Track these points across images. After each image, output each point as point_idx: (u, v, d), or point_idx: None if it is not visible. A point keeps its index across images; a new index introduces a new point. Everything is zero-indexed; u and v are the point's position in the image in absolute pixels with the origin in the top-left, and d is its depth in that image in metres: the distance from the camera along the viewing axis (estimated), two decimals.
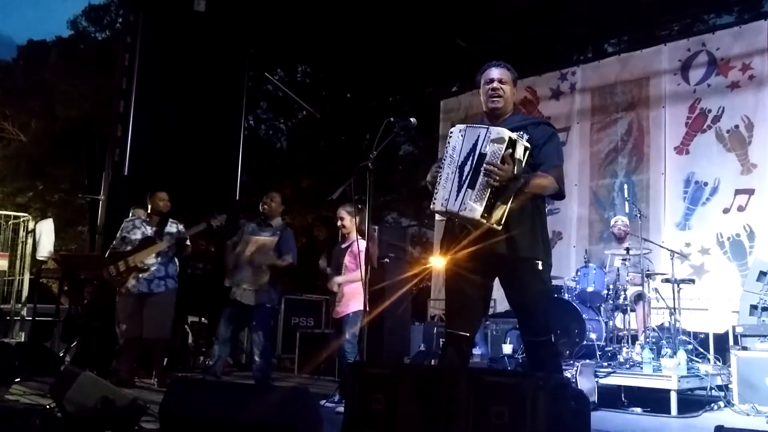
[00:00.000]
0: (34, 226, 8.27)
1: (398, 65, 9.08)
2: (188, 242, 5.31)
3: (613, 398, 4.70)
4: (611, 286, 5.46)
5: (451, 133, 2.86)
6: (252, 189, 10.02)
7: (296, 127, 15.60)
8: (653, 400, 4.56)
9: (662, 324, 5.51)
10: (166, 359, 5.69)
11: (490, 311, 5.99)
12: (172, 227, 5.32)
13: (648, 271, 5.47)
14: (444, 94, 9.48)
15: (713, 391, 4.69)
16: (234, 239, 5.04)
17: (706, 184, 6.51)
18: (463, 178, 2.72)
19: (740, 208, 6.26)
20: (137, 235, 5.23)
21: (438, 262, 7.13)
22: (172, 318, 5.50)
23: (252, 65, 9.13)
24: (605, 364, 4.93)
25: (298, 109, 14.49)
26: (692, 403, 4.63)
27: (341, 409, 3.45)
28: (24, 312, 7.94)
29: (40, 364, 5.20)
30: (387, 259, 6.37)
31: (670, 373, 4.49)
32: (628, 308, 5.37)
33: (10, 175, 16.30)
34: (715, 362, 5.20)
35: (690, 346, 5.12)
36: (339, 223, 4.84)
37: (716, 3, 7.95)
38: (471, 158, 2.72)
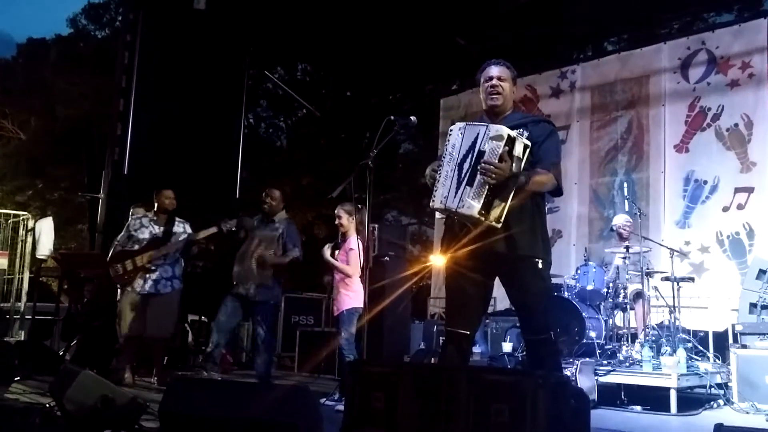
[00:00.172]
0: (34, 224, 8.26)
1: (398, 63, 9.08)
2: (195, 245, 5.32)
3: (613, 396, 4.70)
4: (611, 285, 5.46)
5: (451, 130, 2.86)
6: (252, 187, 10.02)
7: (296, 125, 15.60)
8: (653, 399, 4.57)
9: (662, 322, 5.51)
10: (166, 358, 5.69)
11: (490, 309, 5.98)
12: (179, 227, 5.32)
13: (648, 269, 5.47)
14: (444, 92, 9.48)
15: (713, 389, 4.70)
16: (241, 235, 5.06)
17: (705, 182, 6.51)
18: (462, 175, 2.72)
19: (740, 207, 6.26)
20: (145, 234, 5.21)
21: (438, 261, 7.14)
22: (176, 318, 5.52)
23: (252, 63, 9.11)
24: (605, 362, 4.93)
25: (298, 108, 14.47)
26: (692, 401, 4.64)
27: (341, 407, 3.46)
28: (24, 310, 7.94)
29: (39, 363, 5.20)
30: (387, 258, 6.37)
31: (669, 372, 4.50)
32: (628, 306, 5.38)
33: (10, 174, 16.29)
34: (714, 360, 5.20)
35: (689, 345, 5.12)
36: (336, 221, 4.86)
37: (716, 1, 7.95)
38: (470, 156, 2.73)
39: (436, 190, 2.81)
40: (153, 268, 5.11)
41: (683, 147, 6.74)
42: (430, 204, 2.85)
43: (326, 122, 12.67)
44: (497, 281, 3.00)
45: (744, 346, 4.83)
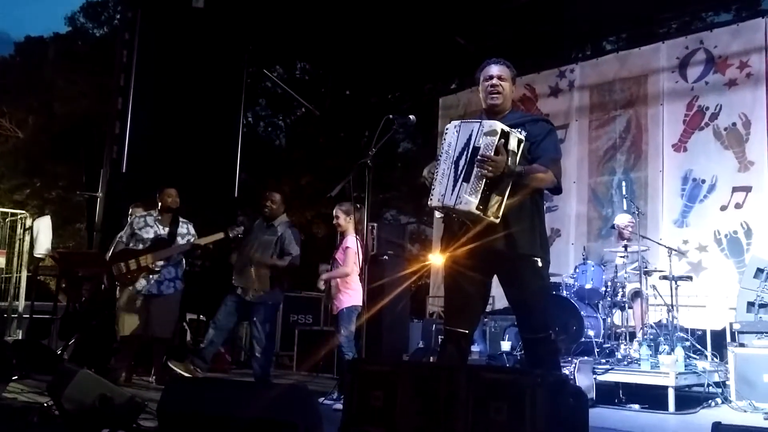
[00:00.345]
0: (32, 223, 8.24)
1: (397, 62, 9.07)
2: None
3: (611, 395, 4.71)
4: (609, 283, 5.47)
5: (447, 129, 2.88)
6: (251, 186, 10.02)
7: (295, 124, 15.59)
8: (651, 397, 4.57)
9: (660, 321, 5.52)
10: (165, 357, 5.68)
11: (489, 308, 6.00)
12: (183, 227, 5.32)
13: (646, 268, 5.48)
14: (443, 91, 9.48)
15: (711, 387, 4.70)
16: (241, 237, 5.05)
17: (703, 181, 6.52)
18: (458, 172, 2.74)
19: (737, 206, 6.27)
20: (149, 234, 5.20)
21: (437, 260, 7.14)
22: (177, 318, 5.52)
23: (251, 62, 9.11)
24: (603, 360, 4.94)
25: (297, 106, 14.46)
26: (690, 399, 4.65)
27: (340, 406, 3.46)
28: (21, 309, 7.92)
29: (37, 362, 5.18)
30: (386, 257, 6.37)
31: (667, 370, 4.51)
32: (626, 305, 5.39)
33: (8, 172, 16.27)
34: (712, 359, 5.21)
35: (687, 343, 5.13)
36: (334, 221, 4.87)
37: (714, 1, 7.96)
38: (465, 152, 2.74)
39: (433, 189, 2.82)
40: (157, 269, 5.11)
41: (681, 146, 6.74)
42: (428, 203, 2.85)
43: (325, 121, 12.65)
44: (496, 280, 3.00)
45: (742, 345, 4.84)
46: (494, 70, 2.99)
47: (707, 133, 6.58)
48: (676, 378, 4.45)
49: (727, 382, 4.79)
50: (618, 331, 5.39)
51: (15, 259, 8.33)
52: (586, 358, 4.86)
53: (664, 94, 6.94)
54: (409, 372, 2.35)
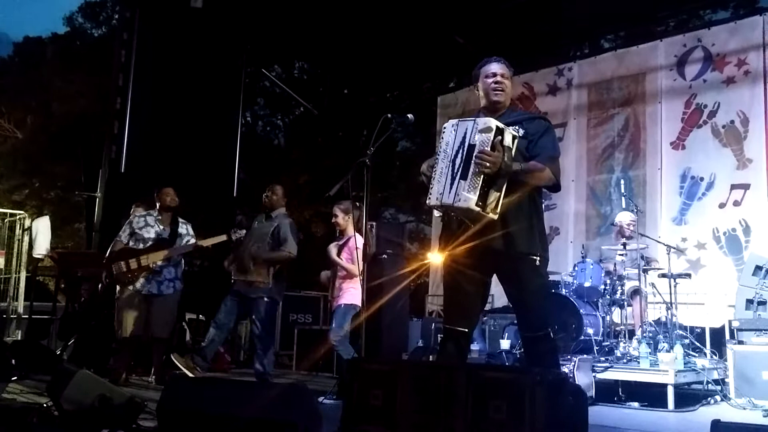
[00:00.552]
0: (31, 223, 8.23)
1: (396, 61, 9.07)
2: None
3: (611, 393, 4.71)
4: (608, 282, 5.47)
5: (444, 128, 2.88)
6: (249, 185, 10.01)
7: (293, 124, 15.60)
8: (650, 395, 4.58)
9: (659, 319, 5.53)
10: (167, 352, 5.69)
11: (488, 307, 6.01)
12: (182, 228, 5.33)
13: (645, 266, 5.48)
14: (441, 90, 9.48)
15: (710, 385, 4.71)
16: (241, 239, 5.05)
17: (702, 179, 6.53)
18: (456, 170, 2.74)
19: (736, 203, 6.27)
20: (150, 234, 5.20)
21: (436, 258, 7.14)
22: (176, 318, 5.52)
23: (249, 61, 9.11)
24: (602, 359, 4.94)
25: (295, 106, 14.47)
26: (689, 397, 4.66)
27: (340, 404, 3.46)
28: (21, 310, 7.92)
29: (37, 363, 5.18)
30: (385, 255, 6.37)
31: (666, 368, 4.51)
32: (625, 303, 5.39)
33: (7, 173, 16.26)
34: (711, 356, 5.21)
35: (686, 341, 5.13)
36: (333, 220, 4.86)
37: None
38: (462, 150, 2.74)
39: (431, 188, 2.82)
40: (158, 269, 5.11)
41: (680, 144, 6.75)
42: (427, 202, 2.85)
43: (324, 120, 12.64)
44: (495, 278, 3.00)
45: (741, 342, 4.85)
46: (498, 68, 2.99)
47: (705, 130, 6.58)
48: (676, 376, 4.46)
49: (726, 380, 4.80)
50: (617, 329, 5.39)
51: (14, 259, 8.33)
52: (585, 356, 4.86)
53: (663, 92, 6.94)
54: (408, 371, 2.36)
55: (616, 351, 5.07)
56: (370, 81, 10.34)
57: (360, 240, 4.57)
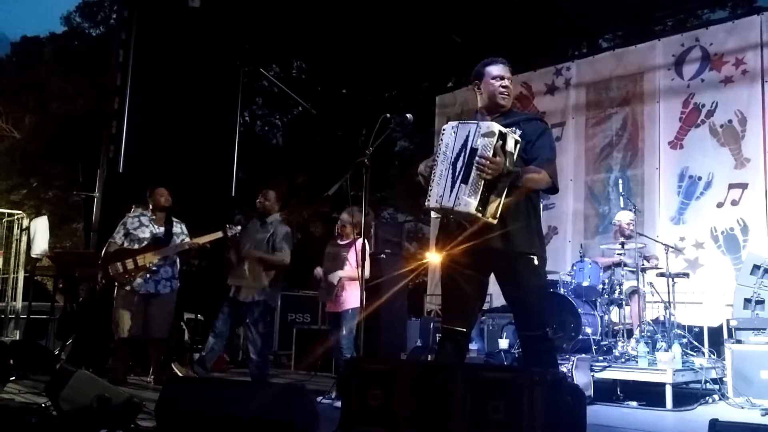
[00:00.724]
0: (29, 223, 8.22)
1: (394, 61, 9.07)
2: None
3: (609, 392, 4.72)
4: (606, 281, 5.48)
5: (444, 129, 2.86)
6: (248, 185, 10.00)
7: (292, 123, 15.57)
8: (648, 394, 4.59)
9: (657, 318, 5.54)
10: (171, 357, 5.69)
11: (487, 306, 6.01)
12: (177, 227, 5.33)
13: (643, 265, 5.49)
14: (440, 90, 9.46)
15: (708, 384, 4.72)
16: (237, 236, 5.04)
17: (700, 178, 6.54)
18: (456, 173, 2.72)
19: (734, 203, 6.29)
20: (145, 234, 5.20)
21: (434, 258, 7.13)
22: (174, 317, 5.52)
23: (247, 61, 9.10)
24: (601, 358, 4.95)
25: (293, 105, 14.44)
26: (687, 396, 4.66)
27: (338, 405, 3.46)
28: (19, 310, 7.91)
29: (35, 363, 5.18)
30: (383, 255, 6.37)
31: (665, 367, 4.52)
32: (624, 302, 5.40)
33: (4, 172, 16.22)
34: (709, 355, 5.23)
35: (685, 340, 5.14)
36: (339, 227, 4.85)
37: None
38: (463, 153, 2.73)
39: (430, 190, 2.80)
40: (155, 268, 5.10)
41: (677, 143, 6.76)
42: (425, 204, 2.83)
43: (322, 120, 12.63)
44: (493, 278, 3.00)
45: (739, 341, 4.86)
46: (504, 70, 2.98)
47: (703, 130, 6.59)
48: (674, 375, 4.46)
49: (724, 379, 4.81)
50: (615, 328, 5.40)
51: (12, 259, 8.31)
52: (583, 355, 4.87)
53: (661, 92, 6.95)
54: (407, 371, 2.36)
55: (614, 350, 5.08)
56: (369, 81, 10.34)
57: (364, 242, 4.57)
